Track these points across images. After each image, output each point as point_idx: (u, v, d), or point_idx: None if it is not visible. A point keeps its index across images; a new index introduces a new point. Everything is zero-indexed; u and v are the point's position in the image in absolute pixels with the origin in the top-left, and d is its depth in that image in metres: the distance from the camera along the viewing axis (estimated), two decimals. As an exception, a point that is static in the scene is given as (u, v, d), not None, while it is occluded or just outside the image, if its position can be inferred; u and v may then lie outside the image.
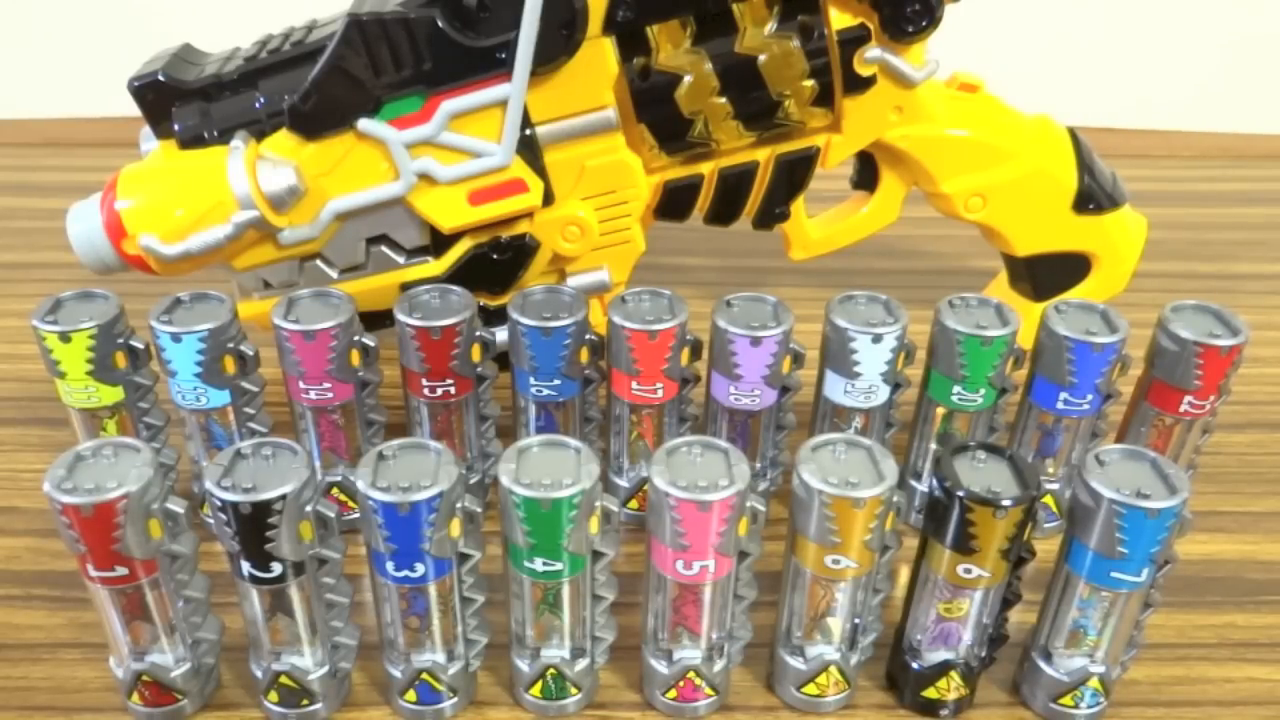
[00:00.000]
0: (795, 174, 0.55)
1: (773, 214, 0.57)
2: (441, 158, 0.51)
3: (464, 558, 0.39)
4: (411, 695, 0.41)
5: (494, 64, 0.50)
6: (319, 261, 0.54)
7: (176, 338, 0.45)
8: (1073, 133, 0.58)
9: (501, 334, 0.49)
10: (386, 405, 0.50)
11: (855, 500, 0.36)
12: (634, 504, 0.52)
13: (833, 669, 0.41)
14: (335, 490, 0.50)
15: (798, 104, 0.52)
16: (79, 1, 0.98)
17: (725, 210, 0.56)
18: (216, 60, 0.54)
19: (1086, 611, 0.40)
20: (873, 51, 0.52)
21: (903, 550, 0.41)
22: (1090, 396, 0.47)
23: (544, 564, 0.38)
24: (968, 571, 0.38)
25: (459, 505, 0.37)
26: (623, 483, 0.52)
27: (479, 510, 0.38)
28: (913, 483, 0.52)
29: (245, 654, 0.41)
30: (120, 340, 0.47)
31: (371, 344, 0.48)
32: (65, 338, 0.45)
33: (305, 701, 0.41)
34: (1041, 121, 0.58)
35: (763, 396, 0.48)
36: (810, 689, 0.42)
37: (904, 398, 0.50)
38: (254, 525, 0.36)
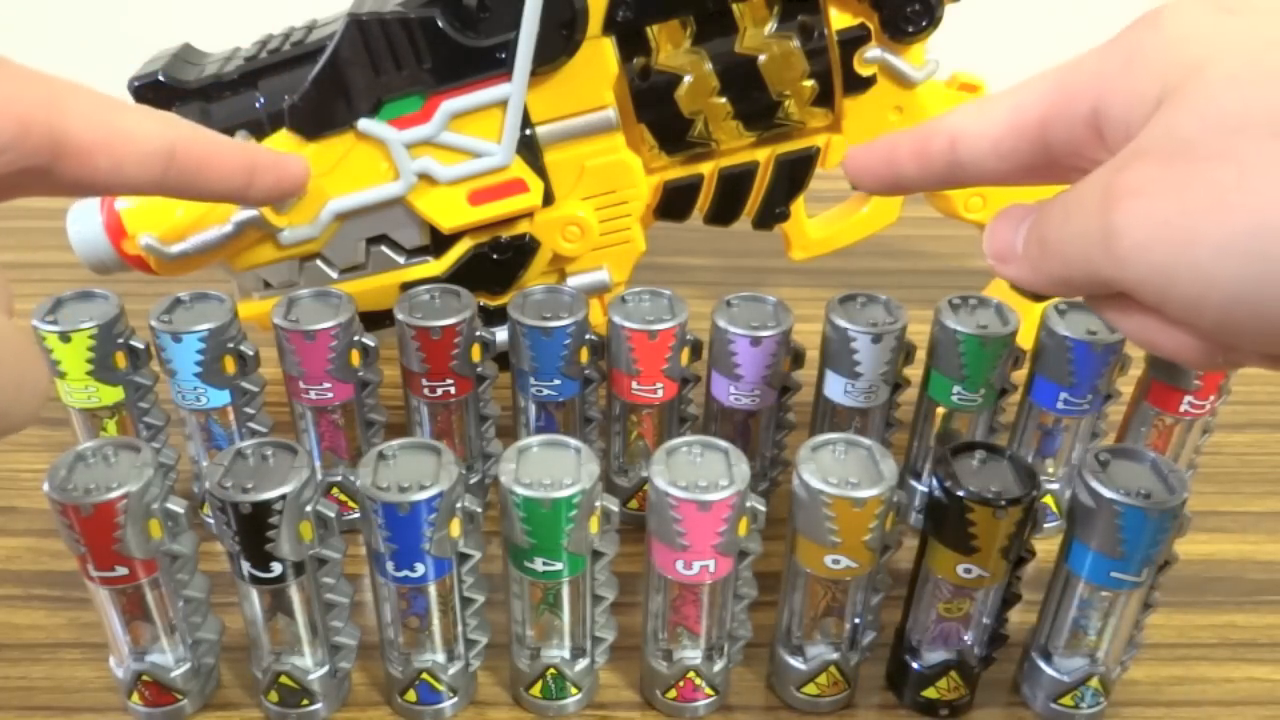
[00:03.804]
0: (795, 174, 0.55)
1: (773, 214, 0.57)
2: (441, 158, 0.51)
3: (464, 558, 0.39)
4: (411, 695, 0.41)
5: (494, 64, 0.50)
6: (319, 261, 0.54)
7: (176, 338, 0.45)
8: (1073, 133, 0.58)
9: (501, 334, 0.49)
10: (386, 405, 0.50)
11: (855, 500, 0.36)
12: (634, 504, 0.52)
13: (833, 669, 0.41)
14: (335, 490, 0.50)
15: (798, 104, 0.52)
16: (80, 2, 0.98)
17: (725, 210, 0.56)
18: (217, 60, 0.54)
19: (1086, 611, 0.40)
20: (873, 51, 0.52)
21: (903, 550, 0.41)
22: (1090, 396, 0.47)
23: (544, 564, 0.38)
24: (968, 571, 0.38)
25: (459, 505, 0.37)
26: (623, 483, 0.52)
27: (479, 510, 0.38)
28: (913, 483, 0.52)
29: (245, 654, 0.41)
30: (120, 340, 0.47)
31: (371, 344, 0.48)
32: (65, 338, 0.45)
33: (305, 701, 0.41)
34: (1041, 121, 0.58)
35: (763, 396, 0.48)
36: (810, 689, 0.42)
37: (904, 398, 0.50)
38: (254, 525, 0.36)
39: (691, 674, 0.41)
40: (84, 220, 0.50)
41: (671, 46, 0.51)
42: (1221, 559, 0.50)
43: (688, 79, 0.51)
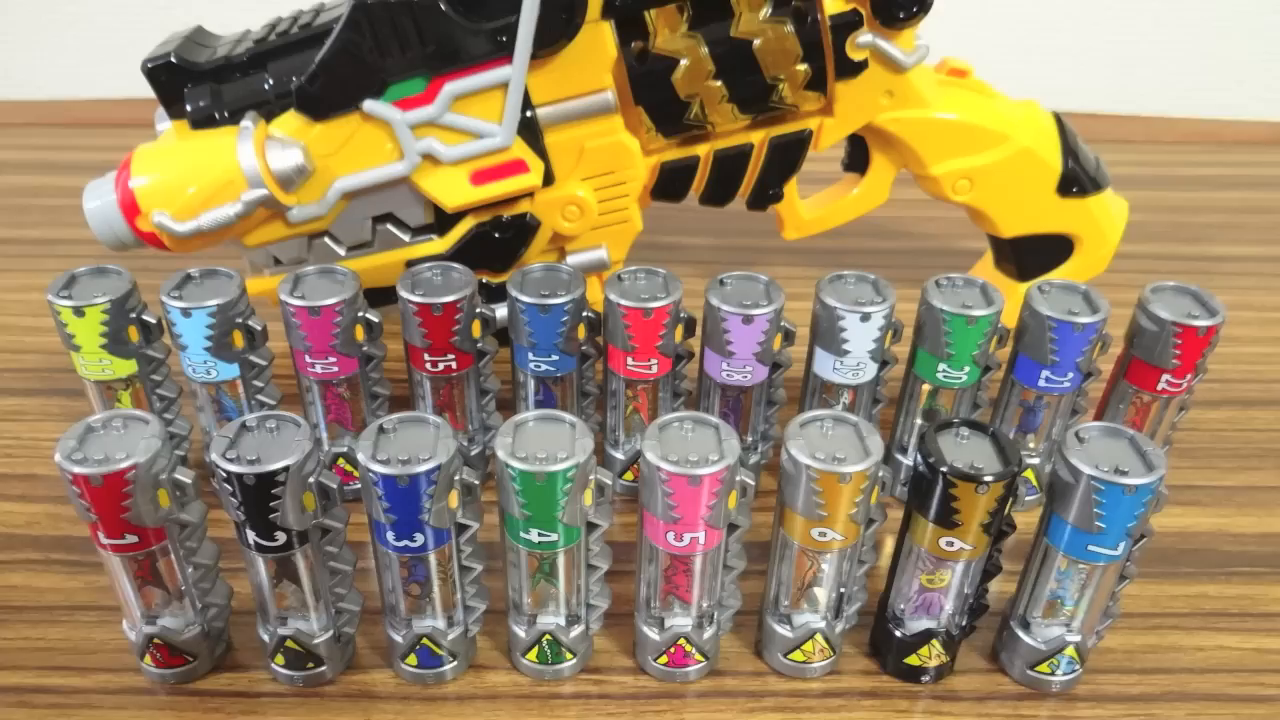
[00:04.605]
0: (789, 156, 0.54)
1: (766, 195, 0.56)
2: (444, 138, 0.50)
3: (462, 528, 0.38)
4: (413, 659, 0.41)
5: (496, 47, 0.48)
6: (327, 239, 0.53)
7: (186, 313, 0.44)
8: (1058, 118, 0.57)
9: (501, 310, 0.48)
10: (391, 378, 0.49)
11: (841, 475, 0.35)
12: (629, 475, 0.51)
13: (818, 636, 0.40)
14: (341, 461, 0.49)
15: (791, 88, 0.51)
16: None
17: (720, 191, 0.55)
18: (227, 43, 0.52)
19: (1064, 583, 0.39)
20: (864, 37, 0.50)
21: (887, 523, 0.40)
22: (1071, 374, 0.46)
23: (539, 535, 0.37)
24: (950, 544, 0.37)
25: (457, 478, 0.36)
26: (619, 455, 0.51)
27: (476, 483, 0.37)
28: (898, 457, 0.51)
29: (254, 618, 0.41)
30: (133, 315, 0.46)
31: (375, 319, 0.47)
32: (79, 312, 0.44)
33: (310, 664, 0.40)
34: (1028, 106, 0.57)
35: (754, 373, 0.47)
36: (797, 655, 0.41)
37: (891, 374, 0.49)
38: (258, 496, 0.35)
39: (682, 640, 0.40)
40: (99, 198, 0.49)
41: (669, 31, 0.50)
42: (1195, 532, 0.49)
43: (684, 63, 0.50)
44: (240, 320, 0.45)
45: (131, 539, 0.36)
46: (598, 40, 0.49)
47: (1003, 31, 0.93)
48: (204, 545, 0.39)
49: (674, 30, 0.50)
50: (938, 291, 0.46)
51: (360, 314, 0.46)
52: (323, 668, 0.41)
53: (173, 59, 0.50)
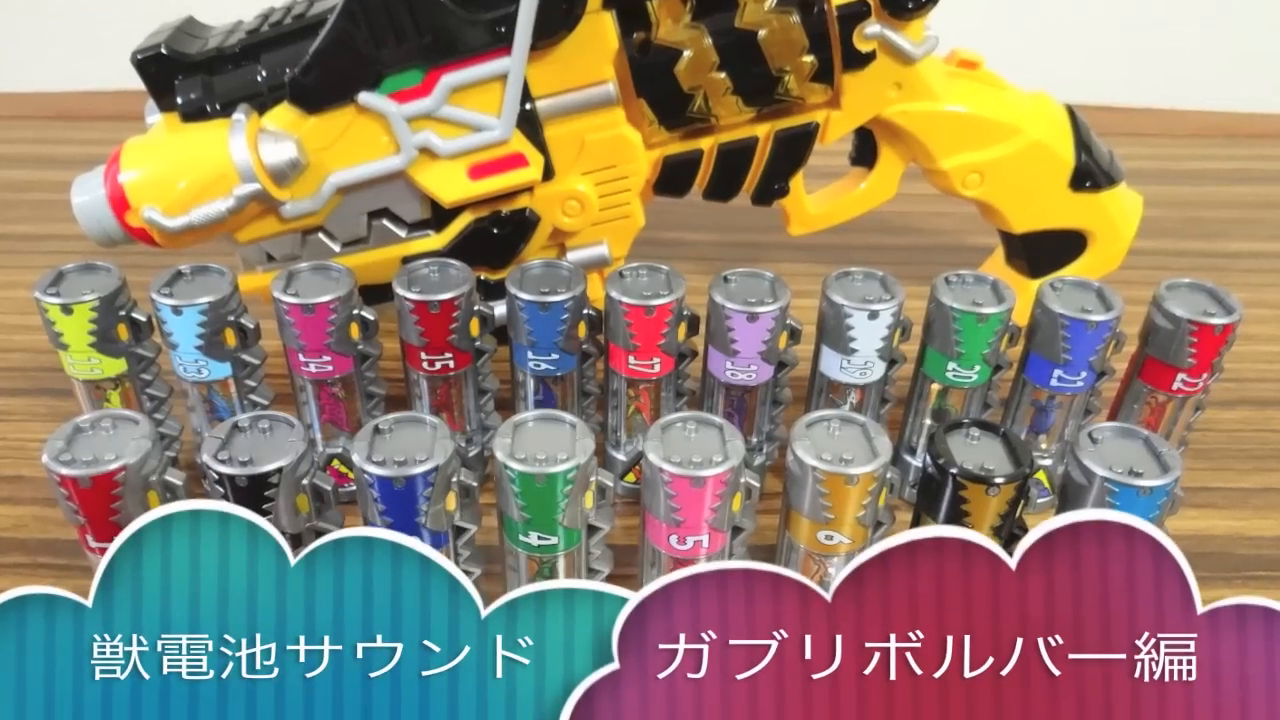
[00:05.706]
0: (794, 150, 0.54)
1: (772, 189, 0.55)
2: (442, 131, 0.50)
3: (460, 531, 0.38)
4: (409, 664, 0.40)
5: (494, 38, 0.48)
6: (321, 235, 0.53)
7: (177, 310, 0.44)
8: (1070, 110, 0.56)
9: (500, 308, 0.48)
10: (387, 378, 0.49)
11: (848, 476, 0.35)
12: (631, 477, 0.50)
13: (825, 642, 0.40)
14: (335, 462, 0.49)
15: (797, 80, 0.51)
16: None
17: (724, 186, 0.55)
18: (219, 33, 0.52)
19: (1077, 587, 0.39)
20: (872, 27, 0.50)
21: (896, 525, 0.40)
22: (1084, 373, 0.46)
23: (539, 538, 0.37)
24: (960, 548, 0.37)
25: (454, 479, 0.36)
26: (620, 456, 0.51)
27: (474, 485, 0.37)
28: (907, 458, 0.50)
29: (245, 623, 0.40)
30: (122, 312, 0.46)
31: (371, 318, 0.46)
32: (67, 309, 0.44)
33: (304, 670, 0.40)
34: (1039, 99, 0.56)
35: (759, 372, 0.47)
36: (802, 661, 0.41)
37: (899, 374, 0.48)
38: (251, 498, 0.35)
39: (685, 646, 0.40)
40: (88, 192, 0.49)
41: (671, 21, 0.50)
42: (1211, 535, 0.49)
43: (687, 54, 0.49)
44: (232, 318, 0.45)
45: (121, 542, 0.36)
46: (599, 31, 0.49)
47: (1014, 22, 0.93)
48: (195, 548, 0.39)
49: (677, 21, 0.50)
50: (947, 289, 0.46)
51: (355, 312, 0.46)
52: (317, 674, 0.40)
53: (163, 50, 0.50)
